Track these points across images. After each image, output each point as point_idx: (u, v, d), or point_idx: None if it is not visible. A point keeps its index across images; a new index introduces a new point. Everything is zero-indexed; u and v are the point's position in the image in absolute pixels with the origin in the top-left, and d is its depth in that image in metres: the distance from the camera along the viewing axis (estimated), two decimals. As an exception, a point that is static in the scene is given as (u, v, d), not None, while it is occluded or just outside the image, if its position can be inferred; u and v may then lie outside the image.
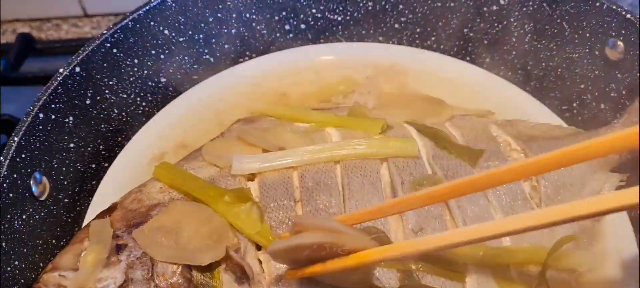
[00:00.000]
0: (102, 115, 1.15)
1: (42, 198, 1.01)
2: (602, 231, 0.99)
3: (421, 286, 0.88)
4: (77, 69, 1.08)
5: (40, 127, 1.01)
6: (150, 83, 1.22)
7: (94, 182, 1.12)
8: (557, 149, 1.02)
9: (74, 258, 0.90)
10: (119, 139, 1.18)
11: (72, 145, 1.08)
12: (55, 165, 1.04)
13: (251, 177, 1.00)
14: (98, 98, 1.13)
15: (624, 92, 1.10)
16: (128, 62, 1.17)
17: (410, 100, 1.16)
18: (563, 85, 1.19)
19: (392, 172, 0.98)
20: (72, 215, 1.07)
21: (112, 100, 1.16)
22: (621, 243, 0.98)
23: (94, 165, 1.14)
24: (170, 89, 1.25)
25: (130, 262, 0.88)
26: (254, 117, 1.15)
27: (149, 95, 1.22)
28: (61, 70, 1.06)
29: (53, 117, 1.04)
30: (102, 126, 1.15)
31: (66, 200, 1.06)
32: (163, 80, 1.24)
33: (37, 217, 0.99)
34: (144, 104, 1.22)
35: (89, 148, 1.13)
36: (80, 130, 1.10)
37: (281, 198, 0.95)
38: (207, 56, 1.28)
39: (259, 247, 0.92)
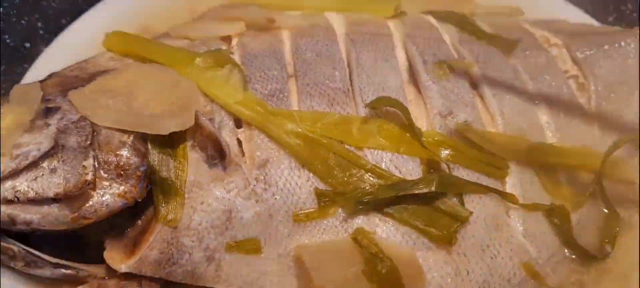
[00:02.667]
0: (42, -16, 0.91)
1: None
2: (662, 140, 0.81)
3: (451, 178, 0.67)
4: None
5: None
6: (107, -41, 0.99)
7: (25, 65, 0.87)
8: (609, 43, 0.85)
9: (-14, 123, 0.66)
10: (63, 20, 0.94)
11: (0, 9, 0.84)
12: (-25, 29, 0.80)
13: (229, 49, 0.78)
14: (39, -41, 0.90)
15: (674, -4, 0.94)
16: None
17: (424, -5, 0.97)
18: (599, -7, 1.02)
19: (411, 50, 0.78)
20: (-7, 95, 0.82)
21: (56, -32, 0.93)
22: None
23: (28, 44, 0.90)
24: (133, -28, 1.02)
25: (63, 126, 0.64)
26: (234, 3, 0.94)
27: (105, -27, 0.99)
28: None
29: (-25, -35, 0.80)
30: (42, -2, 0.91)
31: (-13, 76, 0.82)
32: (124, -42, 1.01)
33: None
34: (98, -17, 0.98)
35: (23, 22, 0.89)
36: (13, -5, 0.86)
37: (270, 68, 0.74)
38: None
39: (239, 124, 0.70)
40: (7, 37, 0.86)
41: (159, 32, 0.88)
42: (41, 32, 0.92)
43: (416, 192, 0.64)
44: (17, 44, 0.88)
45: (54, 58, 0.87)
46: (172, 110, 0.66)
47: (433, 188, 0.64)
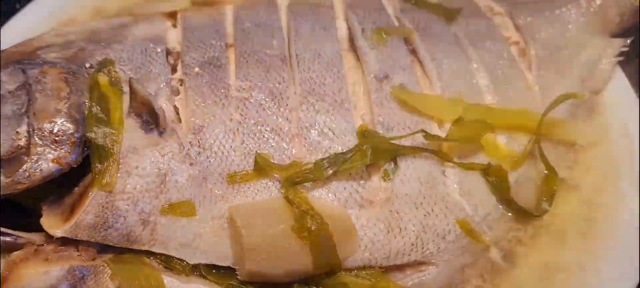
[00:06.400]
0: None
1: None
2: (603, 104, 0.82)
3: (385, 144, 0.67)
4: None
5: None
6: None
7: (-22, 49, 0.88)
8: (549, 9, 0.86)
9: None
10: (17, 5, 0.96)
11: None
12: None
13: (173, 24, 0.80)
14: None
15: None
16: None
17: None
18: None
19: (351, 20, 0.79)
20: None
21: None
22: (626, 115, 0.80)
23: (-20, 30, 0.91)
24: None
25: (-3, 95, 0.66)
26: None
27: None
28: None
29: None
30: (-5, -16, 0.93)
31: None
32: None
33: None
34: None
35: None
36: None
37: (209, 38, 0.75)
38: None
39: (176, 91, 0.71)
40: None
41: (112, 13, 0.90)
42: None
43: (352, 166, 0.65)
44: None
45: (6, 41, 0.89)
46: None
47: (368, 162, 0.65)
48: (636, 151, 0.76)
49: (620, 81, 0.83)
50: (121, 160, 0.65)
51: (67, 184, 0.66)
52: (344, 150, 0.67)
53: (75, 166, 0.65)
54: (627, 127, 0.79)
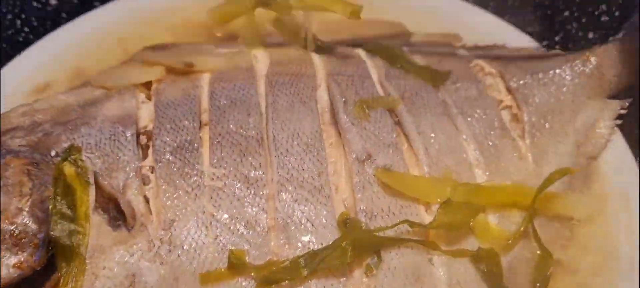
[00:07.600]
0: (-35, 34, 0.89)
1: None
2: (600, 170, 0.78)
3: (367, 237, 0.63)
4: None
5: None
6: (35, 3, 0.96)
7: (-51, 119, 0.85)
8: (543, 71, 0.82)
9: None
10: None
11: None
12: None
13: (148, 96, 0.76)
14: (-40, 10, 0.88)
15: (616, 14, 0.91)
16: (2, -31, 0.93)
17: (358, 24, 0.93)
18: (543, 15, 0.99)
19: (333, 90, 0.75)
20: None
21: (-20, 17, 0.91)
22: (625, 182, 0.76)
23: (-49, 98, 0.87)
24: (64, 15, 1.00)
25: (-45, 192, 0.62)
26: (166, 44, 0.91)
27: (33, 19, 0.97)
28: None
29: None
30: (-34, 49, 0.89)
31: None
32: (53, 1, 0.99)
33: None
34: (26, 29, 0.96)
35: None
36: None
37: (181, 118, 0.71)
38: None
39: (146, 180, 0.67)
40: None
41: (91, 75, 0.86)
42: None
43: (330, 265, 0.61)
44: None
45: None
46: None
47: (348, 260, 0.61)
48: (636, 228, 0.72)
49: (619, 144, 0.79)
50: (87, 261, 0.62)
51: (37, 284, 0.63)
52: (324, 243, 0.63)
53: (38, 269, 0.61)
54: (626, 196, 0.75)
